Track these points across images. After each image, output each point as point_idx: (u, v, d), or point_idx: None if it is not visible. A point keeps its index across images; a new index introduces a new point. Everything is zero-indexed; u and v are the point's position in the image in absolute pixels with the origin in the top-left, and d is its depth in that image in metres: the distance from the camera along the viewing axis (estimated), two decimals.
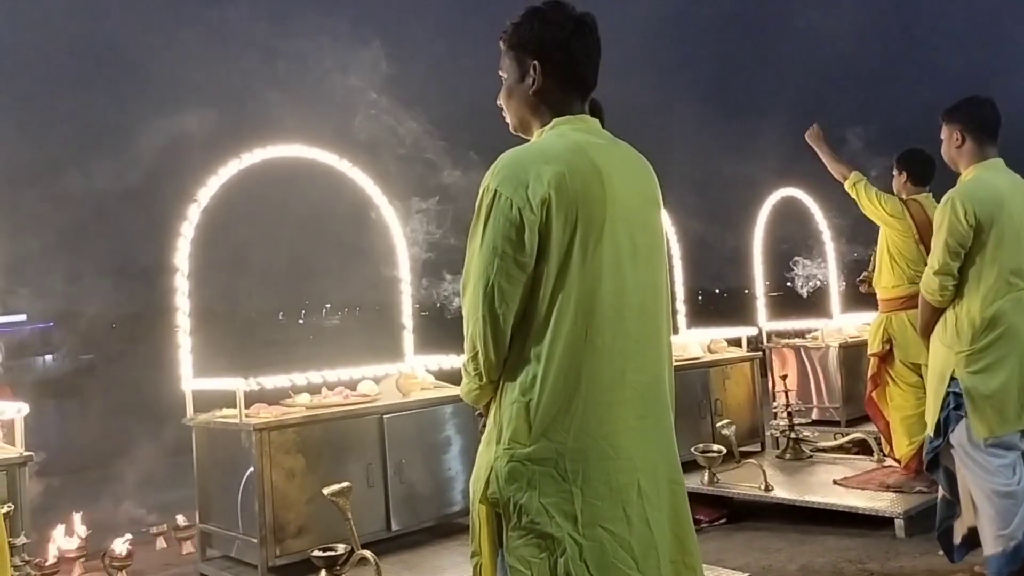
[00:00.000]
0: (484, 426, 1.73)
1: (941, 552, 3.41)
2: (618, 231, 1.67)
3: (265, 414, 3.94)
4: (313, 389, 4.32)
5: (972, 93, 3.27)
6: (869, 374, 4.82)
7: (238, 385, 3.90)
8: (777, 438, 5.62)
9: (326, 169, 4.72)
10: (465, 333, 1.69)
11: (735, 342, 6.04)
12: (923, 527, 4.03)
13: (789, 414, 5.46)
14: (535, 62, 1.76)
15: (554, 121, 1.77)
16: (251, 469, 3.81)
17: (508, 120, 1.87)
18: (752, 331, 6.21)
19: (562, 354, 1.61)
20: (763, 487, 4.57)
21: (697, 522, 4.39)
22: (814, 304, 7.23)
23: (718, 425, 5.11)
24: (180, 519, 4.86)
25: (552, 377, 1.61)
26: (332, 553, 3.37)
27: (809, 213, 6.92)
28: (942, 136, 3.29)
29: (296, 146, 4.56)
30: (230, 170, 4.31)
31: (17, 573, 3.10)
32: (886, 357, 4.71)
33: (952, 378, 3.09)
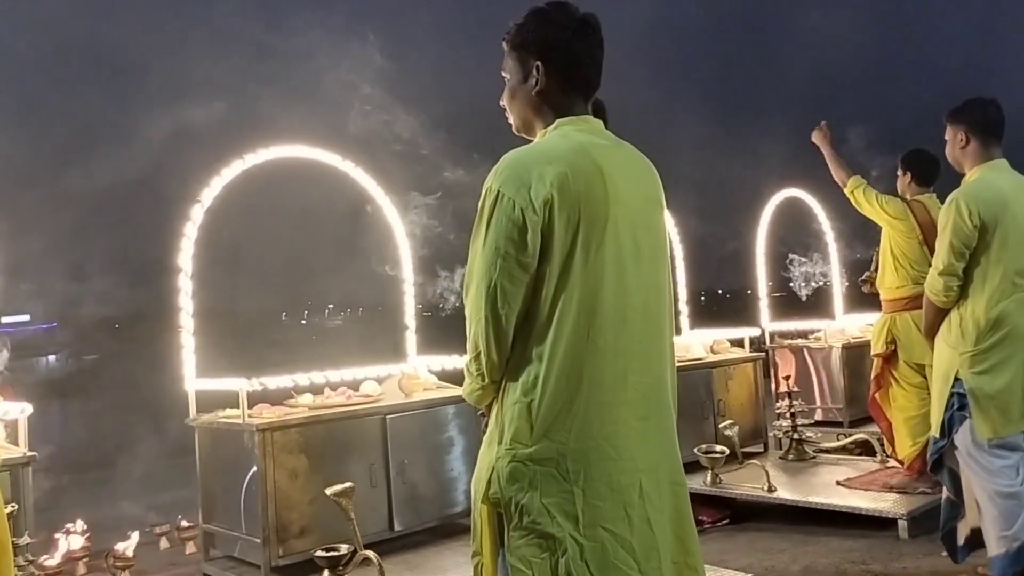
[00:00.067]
0: (486, 426, 1.73)
1: (944, 553, 3.41)
2: (621, 232, 1.67)
3: (268, 414, 3.94)
4: (316, 389, 4.33)
5: (971, 93, 3.27)
6: (872, 375, 4.82)
7: (241, 385, 3.91)
8: (780, 439, 5.61)
9: (328, 169, 4.73)
10: (468, 333, 1.69)
11: (738, 343, 6.04)
12: (926, 528, 4.02)
13: (792, 415, 5.45)
14: (538, 63, 1.76)
15: (557, 122, 1.77)
16: (254, 469, 3.81)
17: (511, 121, 1.87)
18: (755, 332, 6.21)
19: (564, 354, 1.61)
20: (766, 488, 4.57)
21: (700, 523, 4.44)
22: (817, 305, 7.23)
23: (721, 426, 5.10)
24: (182, 521, 4.87)
25: (554, 377, 1.61)
26: (335, 553, 3.38)
27: (812, 213, 6.91)
28: (946, 137, 3.28)
29: (299, 146, 4.56)
30: (233, 171, 4.32)
31: (21, 573, 3.11)
32: (890, 358, 4.70)
33: (956, 379, 3.08)
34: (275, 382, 4.10)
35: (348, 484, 3.45)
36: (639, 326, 1.69)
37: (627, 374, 1.66)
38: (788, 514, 4.53)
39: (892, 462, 4.86)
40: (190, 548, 4.72)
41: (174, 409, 4.50)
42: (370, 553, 3.37)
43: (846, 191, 4.79)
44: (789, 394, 5.51)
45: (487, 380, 1.69)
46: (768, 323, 6.59)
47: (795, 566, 3.87)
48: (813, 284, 7.06)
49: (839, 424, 6.05)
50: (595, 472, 1.61)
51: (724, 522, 4.61)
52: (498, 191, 1.64)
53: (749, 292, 7.16)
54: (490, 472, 1.65)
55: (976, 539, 3.19)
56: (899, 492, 4.42)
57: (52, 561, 4.16)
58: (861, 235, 5.19)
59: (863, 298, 5.68)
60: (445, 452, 4.40)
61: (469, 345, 1.70)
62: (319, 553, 3.41)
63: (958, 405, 3.08)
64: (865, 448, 5.47)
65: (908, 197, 4.71)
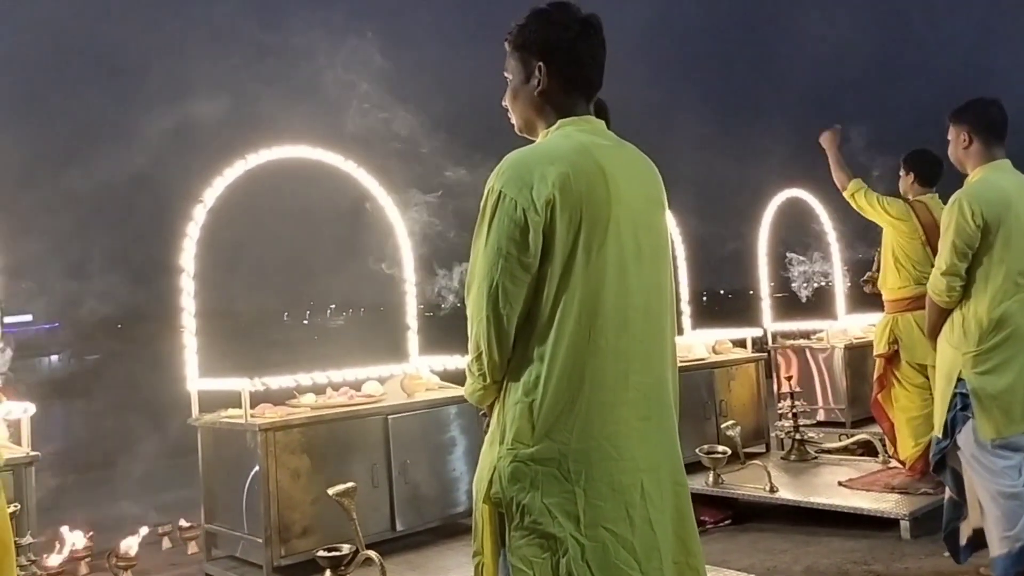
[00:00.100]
0: (488, 426, 1.73)
1: (947, 553, 3.41)
2: (622, 232, 1.67)
3: (270, 414, 3.95)
4: (318, 389, 4.33)
5: (971, 93, 3.27)
6: (875, 375, 4.82)
7: (243, 385, 3.91)
8: (782, 439, 5.61)
9: (330, 170, 4.73)
10: (469, 333, 1.70)
11: (740, 343, 6.04)
12: (928, 528, 4.02)
13: (794, 415, 5.45)
14: (540, 63, 1.76)
15: (559, 122, 1.77)
16: (256, 469, 3.81)
17: (513, 121, 1.88)
18: (757, 332, 6.20)
19: (565, 355, 1.61)
20: (768, 488, 4.57)
21: (702, 523, 4.43)
22: (819, 305, 7.23)
23: (723, 426, 5.10)
24: (184, 521, 4.87)
25: (555, 378, 1.61)
26: (337, 553, 3.38)
27: (814, 214, 6.91)
28: (949, 137, 3.28)
29: (301, 147, 4.57)
30: (235, 171, 4.33)
31: (23, 573, 3.11)
32: (892, 358, 4.70)
33: (959, 379, 3.08)
34: (277, 382, 4.10)
35: (350, 484, 3.45)
36: (640, 326, 1.69)
37: (628, 374, 1.66)
38: (790, 514, 4.53)
39: (894, 462, 4.86)
40: (192, 548, 4.73)
41: (176, 409, 4.50)
42: (372, 553, 3.38)
43: (846, 194, 4.79)
44: (791, 394, 5.50)
45: (488, 380, 1.69)
46: (770, 323, 6.59)
47: (797, 567, 3.87)
48: (814, 284, 7.06)
49: (841, 424, 6.04)
50: (596, 472, 1.61)
51: (726, 522, 4.61)
52: (500, 191, 1.64)
53: (751, 292, 7.16)
54: (491, 472, 1.65)
55: (978, 539, 3.18)
56: (901, 493, 4.41)
57: (54, 561, 4.16)
58: (863, 235, 5.20)
59: (865, 299, 5.68)
60: (447, 452, 4.40)
61: (471, 345, 1.70)
62: (321, 553, 3.41)
63: (961, 405, 3.07)
64: (867, 448, 5.47)
65: (910, 197, 4.71)
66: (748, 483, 4.73)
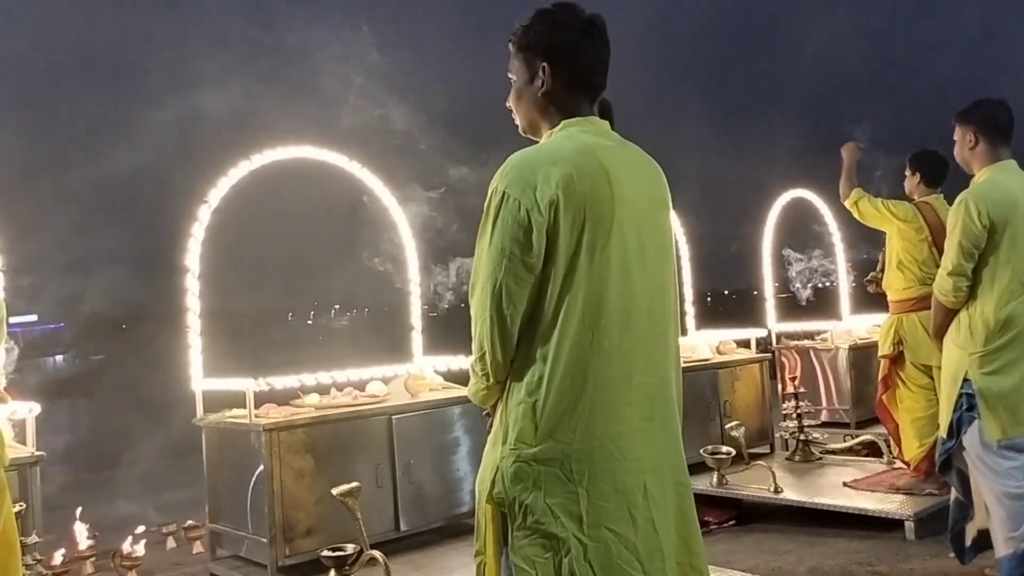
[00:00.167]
0: (491, 426, 1.73)
1: (952, 554, 3.40)
2: (626, 233, 1.67)
3: (275, 414, 3.95)
4: (322, 390, 4.33)
5: (972, 94, 3.26)
6: (879, 376, 4.81)
7: (248, 385, 3.91)
8: (786, 440, 5.60)
9: (335, 170, 4.74)
10: (473, 334, 1.70)
11: (744, 344, 6.03)
12: (933, 529, 4.02)
13: (798, 416, 5.44)
14: (544, 64, 1.76)
15: (563, 123, 1.77)
16: (261, 469, 3.82)
17: (517, 122, 1.88)
18: (761, 333, 6.20)
19: (569, 355, 1.61)
20: (772, 489, 4.56)
21: (706, 524, 4.43)
22: (823, 306, 7.21)
23: (727, 427, 5.10)
24: (187, 521, 4.88)
25: (559, 378, 1.61)
26: (341, 553, 3.39)
27: (819, 214, 6.90)
28: (955, 137, 3.28)
29: (305, 147, 4.57)
30: (240, 171, 4.33)
31: (28, 572, 3.12)
32: (896, 359, 4.70)
33: (965, 379, 3.07)
34: (282, 382, 4.11)
35: (354, 484, 3.45)
36: (644, 327, 1.69)
37: (632, 375, 1.66)
38: (794, 515, 4.52)
39: (899, 463, 4.85)
40: (197, 548, 4.74)
41: (181, 409, 4.51)
42: (376, 553, 3.38)
43: (848, 203, 4.84)
44: (795, 395, 5.50)
45: (492, 380, 1.69)
46: (774, 324, 6.58)
47: (801, 567, 3.87)
48: (818, 285, 7.05)
49: (846, 425, 6.04)
50: (599, 472, 1.61)
51: (730, 523, 4.61)
52: (504, 192, 1.64)
53: (755, 293, 7.15)
54: (494, 472, 1.65)
55: (984, 540, 3.18)
56: (906, 493, 4.40)
57: (59, 560, 4.17)
58: (867, 236, 5.19)
59: (870, 299, 5.68)
60: (451, 452, 4.40)
61: (474, 345, 1.70)
62: (325, 553, 3.41)
63: (967, 406, 3.07)
64: (872, 449, 5.46)
65: (916, 198, 4.70)
66: (752, 484, 4.72)
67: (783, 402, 5.69)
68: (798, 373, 5.90)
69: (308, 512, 3.86)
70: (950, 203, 3.24)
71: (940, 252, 3.65)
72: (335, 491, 3.42)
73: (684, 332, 5.94)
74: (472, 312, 1.70)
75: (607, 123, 1.81)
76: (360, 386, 4.46)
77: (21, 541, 2.77)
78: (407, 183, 4.91)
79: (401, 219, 4.94)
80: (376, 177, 4.85)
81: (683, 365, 1.85)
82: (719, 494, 4.72)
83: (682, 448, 1.77)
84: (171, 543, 4.90)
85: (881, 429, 5.20)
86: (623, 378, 1.65)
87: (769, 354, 6.18)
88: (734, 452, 4.84)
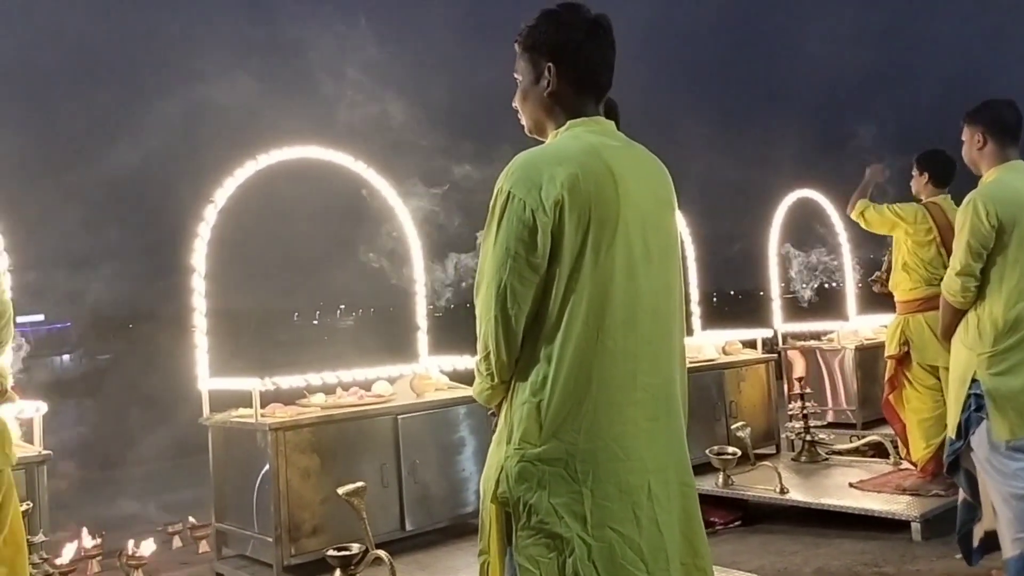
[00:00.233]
0: (496, 426, 1.73)
1: (958, 555, 3.39)
2: (631, 233, 1.67)
3: (280, 414, 3.96)
4: (328, 389, 4.34)
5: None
6: (886, 377, 4.80)
7: (254, 385, 3.92)
8: (792, 440, 5.60)
9: (340, 169, 4.74)
10: (478, 333, 1.70)
11: (750, 344, 6.02)
12: (940, 530, 4.00)
13: (804, 416, 5.43)
14: (550, 64, 1.76)
15: (568, 123, 1.77)
16: (267, 468, 3.83)
17: (523, 122, 1.88)
18: (767, 333, 6.19)
19: (573, 355, 1.61)
20: (778, 490, 4.55)
21: (712, 524, 4.42)
22: (830, 306, 7.20)
23: (733, 427, 5.09)
24: (193, 520, 4.89)
25: (563, 378, 1.61)
26: (347, 552, 3.39)
27: (825, 214, 6.89)
28: (963, 138, 3.27)
29: (312, 147, 4.58)
30: (246, 171, 4.34)
31: (35, 571, 3.13)
32: (903, 359, 4.69)
33: (974, 380, 3.07)
34: (288, 382, 4.11)
35: (360, 484, 3.45)
36: (649, 327, 1.68)
37: (636, 375, 1.66)
38: (800, 516, 4.52)
39: (905, 464, 4.84)
40: (203, 547, 4.75)
41: (187, 408, 4.52)
42: (382, 553, 3.38)
43: (854, 215, 4.90)
44: (802, 396, 5.49)
45: (496, 380, 1.69)
46: (780, 324, 6.57)
47: (807, 568, 3.86)
48: (824, 285, 7.04)
49: (852, 426, 6.02)
50: (604, 473, 1.61)
51: (736, 524, 4.60)
52: (509, 192, 1.64)
53: (761, 293, 7.14)
54: (499, 471, 1.65)
55: (991, 541, 3.17)
56: (912, 494, 4.39)
57: (66, 559, 4.18)
58: (873, 236, 5.19)
59: (876, 300, 5.66)
60: (456, 452, 4.40)
61: (479, 345, 1.70)
62: (331, 552, 3.42)
63: (975, 406, 3.06)
64: (878, 450, 5.44)
65: (923, 198, 4.70)
66: (758, 484, 4.71)
67: (789, 403, 5.68)
68: (804, 374, 5.89)
69: (314, 512, 3.87)
70: (957, 203, 3.23)
71: (948, 252, 3.64)
72: (341, 491, 3.43)
73: (690, 332, 5.93)
74: (477, 312, 1.70)
75: (613, 123, 1.81)
76: (366, 386, 4.47)
77: (28, 540, 2.78)
78: (413, 182, 4.91)
79: (407, 219, 4.94)
80: (381, 176, 4.86)
81: (689, 365, 1.84)
82: (725, 494, 4.72)
83: (686, 448, 1.77)
84: (177, 542, 4.91)
85: (887, 430, 5.19)
86: (628, 378, 1.65)
87: (775, 354, 6.17)
88: (740, 452, 4.84)
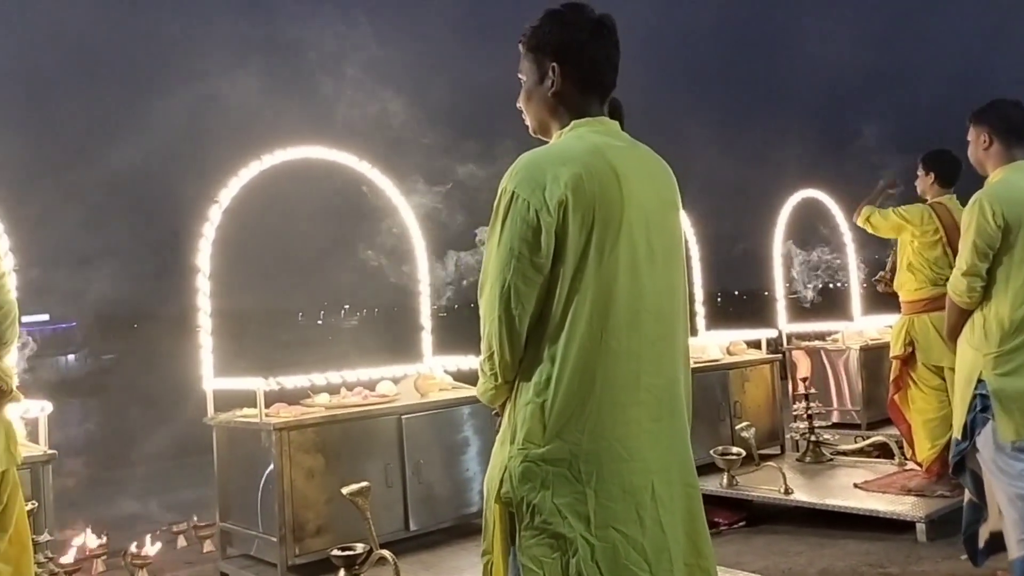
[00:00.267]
0: (500, 426, 1.73)
1: (963, 556, 3.38)
2: (635, 233, 1.67)
3: (285, 414, 3.96)
4: (332, 389, 4.34)
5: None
6: (891, 377, 4.79)
7: (258, 385, 3.92)
8: (797, 441, 5.59)
9: (344, 169, 4.75)
10: (482, 333, 1.70)
11: (755, 344, 6.01)
12: (945, 531, 3.99)
13: (809, 417, 5.42)
14: (554, 64, 1.76)
15: (573, 123, 1.77)
16: (271, 468, 3.83)
17: (527, 122, 1.88)
18: (772, 333, 6.18)
19: (577, 356, 1.61)
20: (783, 490, 4.54)
21: (716, 525, 4.42)
22: (835, 306, 7.19)
23: (737, 427, 5.08)
24: (198, 520, 4.90)
25: (567, 378, 1.61)
26: (351, 552, 3.39)
27: (830, 214, 6.88)
28: (969, 138, 3.26)
29: (316, 147, 4.58)
30: (251, 171, 4.35)
31: (40, 570, 3.13)
32: (908, 360, 4.68)
33: (979, 380, 3.06)
34: (292, 382, 4.12)
35: (364, 484, 3.46)
36: (652, 328, 1.68)
37: (640, 376, 1.66)
38: (805, 517, 4.51)
39: (911, 465, 4.83)
40: (207, 546, 4.76)
41: (191, 408, 4.53)
42: (386, 552, 3.38)
43: (860, 220, 4.91)
44: (806, 396, 5.48)
45: (500, 380, 1.69)
46: (785, 324, 6.56)
47: (812, 569, 3.85)
48: (829, 285, 7.02)
49: (856, 426, 6.02)
50: (607, 473, 1.61)
51: (740, 524, 4.59)
52: (513, 192, 1.64)
53: (766, 293, 7.13)
54: (502, 472, 1.65)
55: (997, 542, 3.16)
56: (917, 495, 4.38)
57: (70, 558, 4.19)
58: (877, 236, 5.19)
59: (881, 300, 5.65)
60: (461, 452, 4.40)
61: (483, 345, 1.70)
62: (335, 552, 3.42)
63: (981, 407, 3.05)
64: (883, 451, 5.43)
65: (929, 199, 4.69)
66: (763, 485, 4.71)
67: (794, 403, 5.67)
68: (809, 374, 5.88)
69: (318, 511, 3.87)
70: (963, 203, 3.22)
71: (954, 253, 3.63)
72: (345, 490, 3.43)
73: (694, 332, 5.93)
74: (481, 312, 1.70)
75: (617, 123, 1.81)
76: (370, 386, 4.47)
77: (33, 539, 2.79)
78: (417, 182, 4.92)
79: (411, 219, 4.94)
80: (386, 177, 4.86)
81: (693, 365, 1.84)
82: (729, 495, 4.71)
83: (690, 449, 1.77)
84: (182, 542, 4.91)
85: (892, 430, 5.18)
86: (631, 379, 1.65)
87: (780, 355, 6.16)
88: (744, 453, 4.83)
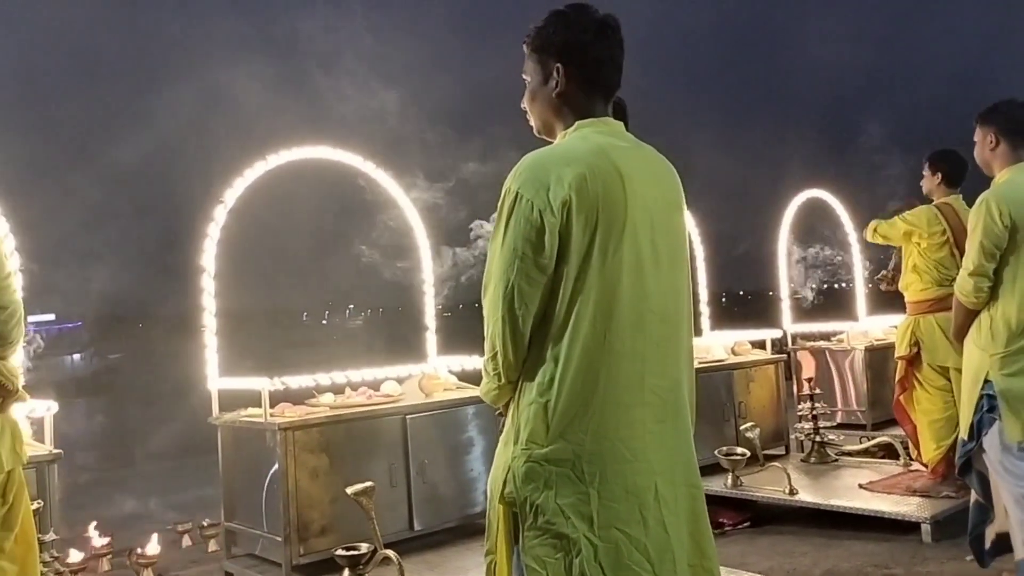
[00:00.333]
0: (503, 426, 1.73)
1: (969, 557, 3.37)
2: (639, 234, 1.67)
3: (290, 414, 3.97)
4: (337, 389, 4.34)
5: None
6: (896, 377, 4.79)
7: (263, 385, 3.93)
8: (802, 441, 5.58)
9: (349, 170, 4.75)
10: (485, 333, 1.70)
11: (759, 344, 6.00)
12: (950, 532, 3.99)
13: (814, 417, 5.41)
14: (558, 65, 1.76)
15: (577, 123, 1.77)
16: (276, 468, 3.83)
17: (532, 123, 1.88)
18: (776, 333, 6.17)
19: (580, 356, 1.61)
20: (787, 491, 4.54)
21: (720, 525, 4.41)
22: (840, 306, 7.17)
23: (742, 428, 5.08)
24: (203, 519, 4.91)
25: (570, 379, 1.61)
26: (355, 552, 3.40)
27: (835, 214, 6.86)
28: (975, 138, 3.26)
29: (321, 147, 4.58)
30: (256, 171, 4.35)
31: (46, 569, 3.14)
32: (913, 360, 4.67)
33: (986, 380, 3.05)
34: (297, 382, 4.12)
35: (369, 483, 3.46)
36: (656, 329, 1.68)
37: (644, 376, 1.66)
38: (810, 517, 4.50)
39: (916, 465, 4.82)
40: (212, 546, 4.77)
41: (196, 408, 4.54)
42: (390, 552, 3.39)
43: (869, 235, 4.90)
44: (811, 396, 5.47)
45: (503, 380, 1.69)
46: (790, 325, 6.55)
47: (817, 569, 3.85)
48: (834, 285, 7.01)
49: (862, 427, 6.00)
50: (610, 474, 1.61)
51: (745, 525, 4.59)
52: (517, 192, 1.64)
53: (771, 294, 7.12)
54: (506, 472, 1.65)
55: (1003, 543, 3.15)
56: (922, 496, 4.37)
57: (76, 558, 4.20)
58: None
59: (886, 300, 5.64)
60: (465, 452, 4.40)
61: (486, 345, 1.71)
62: (340, 552, 3.42)
63: (987, 407, 3.04)
64: (888, 451, 5.42)
65: (935, 199, 4.68)
66: (767, 485, 4.70)
67: (798, 403, 5.66)
68: (813, 374, 5.87)
69: (323, 511, 3.87)
70: (970, 204, 3.21)
71: (961, 253, 3.62)
72: (349, 490, 3.43)
73: (699, 333, 5.92)
74: (484, 312, 1.70)
75: (621, 124, 1.81)
76: (374, 386, 4.47)
77: (39, 538, 2.79)
78: (421, 181, 4.92)
79: (415, 219, 4.94)
80: (392, 179, 4.86)
81: (698, 366, 1.84)
82: (734, 495, 4.70)
83: (694, 450, 1.77)
84: (187, 541, 4.93)
85: (897, 431, 5.17)
86: (635, 380, 1.65)
87: (784, 355, 6.15)
88: (749, 453, 4.82)
